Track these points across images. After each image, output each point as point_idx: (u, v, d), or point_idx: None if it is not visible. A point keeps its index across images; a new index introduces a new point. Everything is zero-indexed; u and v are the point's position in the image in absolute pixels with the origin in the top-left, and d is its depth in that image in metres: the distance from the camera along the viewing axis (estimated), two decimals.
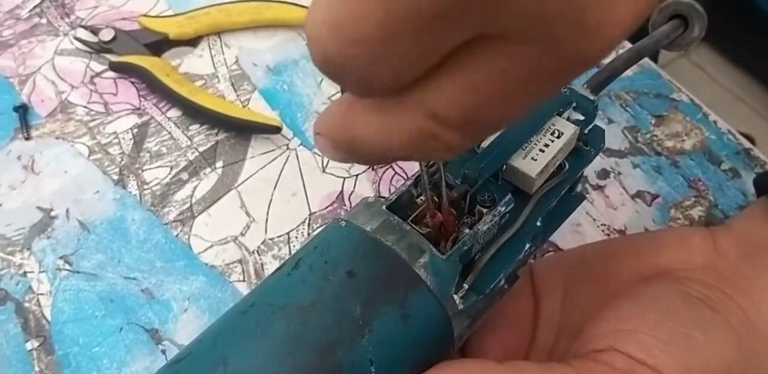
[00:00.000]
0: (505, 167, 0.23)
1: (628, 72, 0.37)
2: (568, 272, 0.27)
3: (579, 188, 0.30)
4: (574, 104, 0.24)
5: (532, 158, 0.23)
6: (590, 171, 0.34)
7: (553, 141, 0.23)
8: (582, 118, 0.24)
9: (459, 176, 0.22)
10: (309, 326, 0.20)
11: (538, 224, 0.23)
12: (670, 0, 0.30)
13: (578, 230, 0.32)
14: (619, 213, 0.33)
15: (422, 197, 0.22)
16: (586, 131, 0.25)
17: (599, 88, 0.26)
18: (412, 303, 0.20)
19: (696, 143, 0.35)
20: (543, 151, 0.23)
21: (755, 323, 0.23)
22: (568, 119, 0.24)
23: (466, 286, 0.21)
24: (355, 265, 0.21)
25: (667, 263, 0.26)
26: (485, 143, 0.23)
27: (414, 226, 0.22)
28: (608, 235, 0.32)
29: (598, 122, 0.33)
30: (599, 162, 0.34)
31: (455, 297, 0.21)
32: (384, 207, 0.21)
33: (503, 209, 0.22)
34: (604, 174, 0.34)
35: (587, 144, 0.25)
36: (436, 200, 0.22)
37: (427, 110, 0.13)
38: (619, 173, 0.34)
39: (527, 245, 0.23)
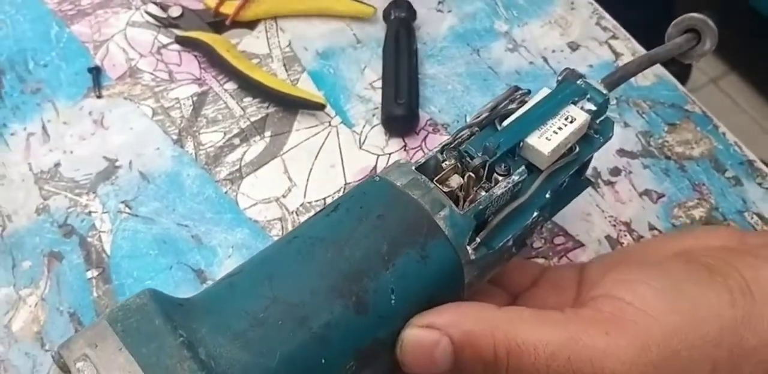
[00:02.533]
0: (522, 144, 0.27)
1: (647, 82, 0.42)
2: (608, 263, 0.30)
3: (591, 177, 0.35)
4: (588, 96, 0.29)
5: (547, 138, 0.27)
6: (603, 168, 0.38)
7: (566, 125, 0.27)
8: (594, 108, 0.28)
9: (480, 148, 0.26)
10: (342, 256, 0.24)
11: (547, 196, 0.28)
12: (686, 15, 0.35)
13: (587, 219, 0.37)
14: (627, 207, 0.37)
15: (447, 162, 0.27)
16: (597, 121, 0.29)
17: (612, 85, 0.30)
18: (431, 248, 0.25)
19: (704, 151, 0.39)
20: (556, 133, 0.27)
21: (755, 291, 0.24)
22: (581, 109, 0.28)
23: (478, 240, 0.25)
24: (385, 212, 0.25)
25: (690, 245, 0.28)
26: (506, 122, 0.28)
27: (438, 185, 0.26)
28: (614, 225, 0.36)
29: (614, 124, 0.39)
30: (612, 160, 0.38)
31: (468, 248, 0.25)
32: (413, 168, 0.26)
33: (517, 178, 0.26)
34: (616, 172, 0.38)
35: (597, 133, 0.29)
36: (459, 166, 0.26)
37: None
38: (630, 172, 0.38)
39: (535, 213, 0.27)
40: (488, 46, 0.42)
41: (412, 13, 0.42)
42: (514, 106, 0.28)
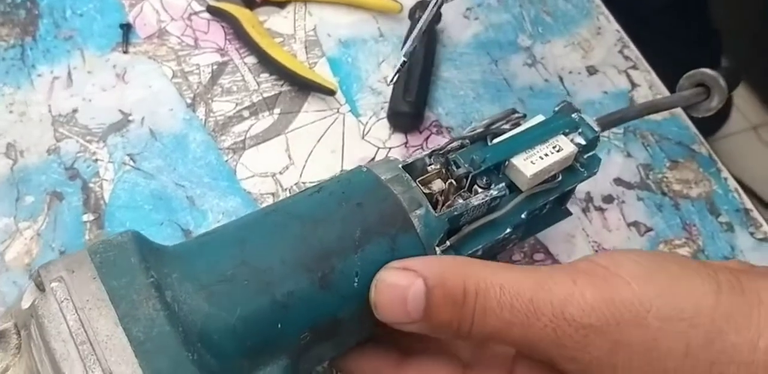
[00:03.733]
0: (507, 163, 0.29)
1: (658, 116, 0.43)
2: None
3: (583, 201, 0.36)
4: (580, 130, 0.31)
5: (531, 162, 0.29)
6: (597, 193, 0.40)
7: (552, 153, 0.29)
8: (584, 143, 0.30)
9: (468, 160, 0.28)
10: (316, 234, 0.26)
11: (523, 216, 0.30)
12: (699, 70, 0.37)
13: (571, 241, 0.38)
14: (612, 236, 0.38)
15: (433, 166, 0.29)
16: (585, 156, 0.31)
17: (607, 125, 0.32)
18: (401, 241, 0.26)
19: (702, 192, 0.40)
20: (542, 158, 0.29)
21: (746, 291, 0.23)
22: (571, 141, 0.30)
23: (448, 243, 0.28)
24: (365, 200, 0.27)
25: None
26: (497, 140, 0.30)
27: (420, 185, 0.28)
28: (596, 251, 0.38)
29: (617, 153, 0.41)
30: (608, 188, 0.40)
31: (437, 248, 0.27)
32: (400, 166, 0.28)
33: (495, 192, 0.28)
34: (609, 199, 0.39)
35: (583, 166, 0.31)
36: (444, 172, 0.29)
37: None
38: (623, 202, 0.39)
39: (508, 230, 0.29)
40: (507, 59, 0.44)
41: (437, 16, 0.44)
42: (507, 127, 0.31)
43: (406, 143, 0.41)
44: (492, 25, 0.45)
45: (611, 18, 0.46)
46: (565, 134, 0.30)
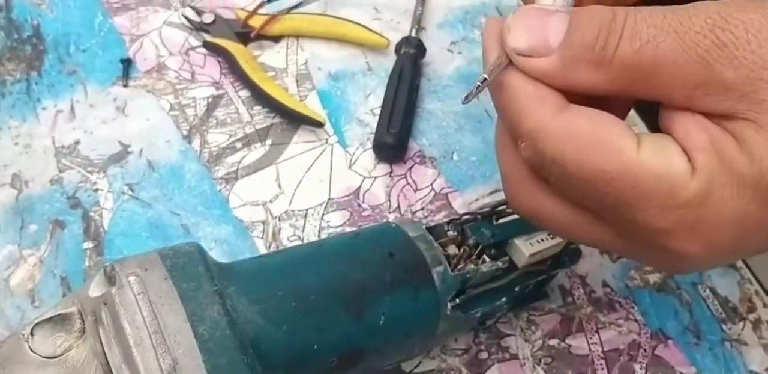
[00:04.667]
0: (510, 241, 0.33)
1: None
2: None
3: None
4: None
5: (530, 244, 0.33)
6: None
7: (547, 239, 0.34)
8: None
9: (479, 233, 0.33)
10: (355, 272, 0.30)
11: (516, 289, 0.35)
12: None
13: None
14: (585, 262, 0.40)
15: (450, 233, 0.34)
16: (570, 247, 0.36)
17: None
18: (423, 292, 0.31)
19: None
20: (539, 242, 0.33)
21: None
22: None
23: (457, 301, 0.32)
24: (396, 251, 0.31)
25: None
26: (503, 220, 0.34)
27: (440, 246, 0.32)
28: (569, 277, 0.40)
29: None
30: None
31: (449, 303, 0.32)
32: (424, 227, 0.33)
33: (500, 264, 0.33)
34: None
35: (567, 256, 0.36)
36: (459, 238, 0.33)
37: None
38: None
39: (504, 298, 0.34)
40: (488, 91, 0.47)
41: (421, 51, 0.47)
42: (510, 210, 0.35)
43: (391, 172, 0.43)
44: (475, 59, 0.48)
45: None
46: None
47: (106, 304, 0.26)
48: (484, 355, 0.37)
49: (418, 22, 0.49)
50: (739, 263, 0.42)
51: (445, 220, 0.34)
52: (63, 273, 0.38)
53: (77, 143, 0.43)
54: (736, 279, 0.41)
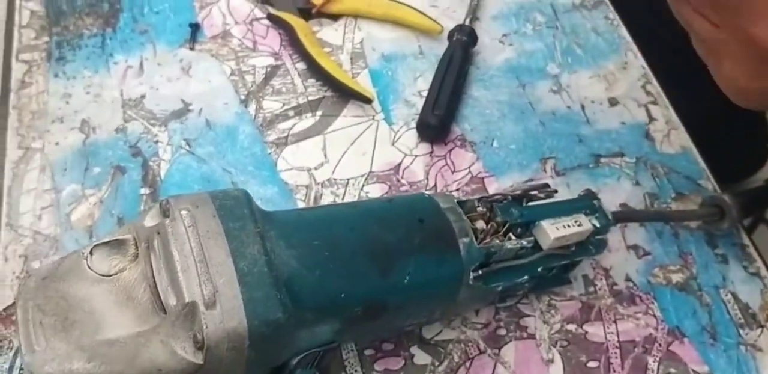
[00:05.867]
0: (537, 223, 0.36)
1: (671, 150, 0.47)
2: None
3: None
4: (597, 215, 0.37)
5: (556, 228, 0.35)
6: None
7: (573, 226, 0.36)
8: (598, 226, 0.37)
9: (507, 212, 0.35)
10: (385, 233, 0.32)
11: (539, 270, 0.36)
12: (718, 195, 0.42)
13: None
14: (611, 255, 0.42)
15: (480, 209, 0.36)
16: (596, 237, 0.38)
17: (619, 219, 0.39)
18: (448, 259, 0.33)
19: (702, 225, 0.44)
20: (565, 227, 0.36)
21: None
22: (590, 221, 0.37)
23: (480, 272, 0.34)
24: (426, 219, 0.34)
25: None
26: (532, 203, 0.36)
27: (468, 220, 0.34)
28: (594, 268, 0.42)
29: (626, 180, 0.45)
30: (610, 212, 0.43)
31: (471, 273, 0.34)
32: (455, 200, 0.35)
33: (525, 243, 0.35)
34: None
35: (592, 245, 0.38)
36: (488, 215, 0.35)
37: None
38: (626, 226, 0.43)
39: (526, 277, 0.36)
40: (534, 84, 0.49)
41: (473, 39, 0.50)
42: (541, 196, 0.37)
43: (431, 152, 0.46)
44: (524, 52, 0.51)
45: (639, 54, 0.51)
46: (586, 215, 0.37)
47: (159, 233, 0.28)
48: (502, 332, 0.39)
49: (473, 11, 0.51)
50: (764, 272, 0.43)
51: (476, 197, 0.36)
52: (120, 214, 0.42)
53: (143, 97, 0.47)
54: (759, 287, 0.42)
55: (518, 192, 0.37)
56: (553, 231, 0.35)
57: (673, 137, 0.48)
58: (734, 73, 0.31)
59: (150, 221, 0.29)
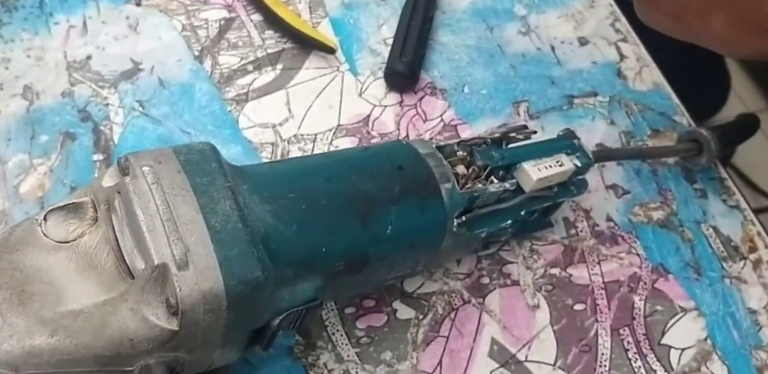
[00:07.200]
0: (518, 166, 0.35)
1: (643, 87, 0.47)
2: None
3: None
4: (578, 155, 0.37)
5: (538, 169, 0.35)
6: None
7: (555, 166, 0.35)
8: (579, 165, 0.36)
9: (488, 155, 0.34)
10: (364, 182, 0.31)
11: (522, 213, 0.36)
12: (696, 129, 0.42)
13: None
14: (590, 196, 0.42)
15: (460, 153, 0.34)
16: (577, 178, 0.37)
17: (600, 157, 0.39)
18: (430, 205, 0.32)
19: (679, 160, 0.44)
20: (547, 168, 0.35)
21: None
22: (571, 161, 0.36)
23: (463, 218, 0.33)
24: (405, 165, 0.32)
25: None
26: (512, 145, 0.36)
27: (449, 165, 0.33)
28: (574, 210, 0.41)
29: (601, 120, 0.45)
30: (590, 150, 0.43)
31: (455, 220, 0.33)
32: (434, 145, 0.34)
33: (508, 186, 0.34)
34: None
35: (573, 185, 0.37)
36: (468, 159, 0.34)
37: None
38: (603, 166, 0.43)
39: (508, 221, 0.35)
40: (502, 26, 0.48)
41: None
42: (520, 137, 0.36)
43: (401, 102, 0.45)
44: None
45: None
46: (567, 155, 0.36)
47: (119, 193, 0.27)
48: (485, 280, 0.39)
49: None
50: (744, 205, 0.43)
51: (455, 141, 0.35)
52: (73, 183, 0.40)
53: (89, 58, 0.44)
54: (740, 220, 0.42)
55: (497, 135, 0.36)
56: (535, 173, 0.34)
57: (645, 74, 0.47)
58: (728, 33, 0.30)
59: (108, 181, 0.27)
